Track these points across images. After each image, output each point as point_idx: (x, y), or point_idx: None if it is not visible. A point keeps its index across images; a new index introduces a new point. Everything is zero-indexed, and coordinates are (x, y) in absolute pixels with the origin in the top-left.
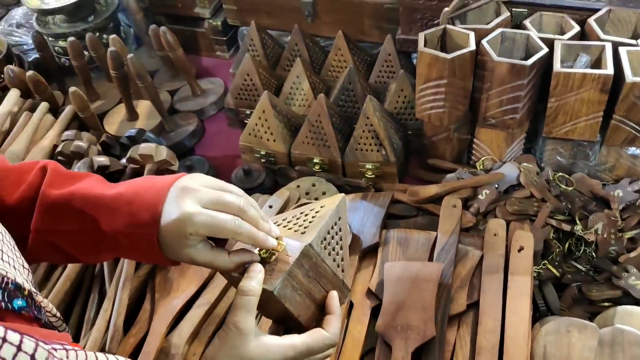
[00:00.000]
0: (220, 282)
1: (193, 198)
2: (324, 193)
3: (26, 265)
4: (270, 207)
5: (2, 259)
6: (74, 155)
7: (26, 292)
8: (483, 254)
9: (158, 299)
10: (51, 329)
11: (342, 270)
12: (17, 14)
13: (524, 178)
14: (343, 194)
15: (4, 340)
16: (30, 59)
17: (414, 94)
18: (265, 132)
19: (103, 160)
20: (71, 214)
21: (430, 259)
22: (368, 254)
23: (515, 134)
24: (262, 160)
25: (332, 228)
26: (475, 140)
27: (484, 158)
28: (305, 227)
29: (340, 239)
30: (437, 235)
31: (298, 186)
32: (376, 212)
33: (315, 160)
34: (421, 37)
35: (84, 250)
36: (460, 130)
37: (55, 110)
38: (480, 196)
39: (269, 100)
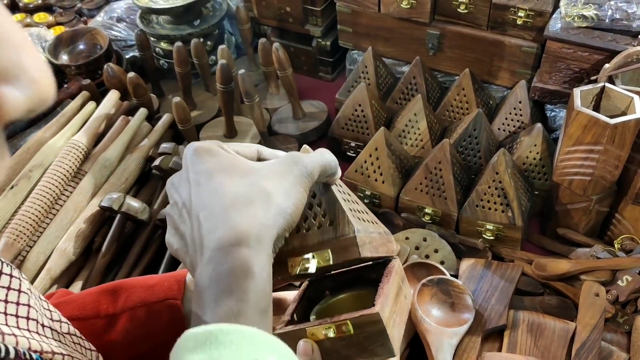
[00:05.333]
0: None
1: None
2: (436, 251)
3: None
4: None
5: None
6: (170, 172)
7: None
8: (630, 358)
9: None
10: None
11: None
12: (118, 7)
13: None
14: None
15: None
16: (127, 56)
17: (548, 152)
18: (375, 172)
19: None
20: None
21: (569, 355)
22: (492, 336)
23: None
24: (365, 201)
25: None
26: (617, 215)
27: (622, 236)
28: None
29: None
30: (575, 327)
31: (407, 238)
32: (503, 287)
33: (426, 210)
34: (577, 93)
35: None
36: (602, 202)
37: (150, 116)
38: (619, 282)
39: (385, 138)
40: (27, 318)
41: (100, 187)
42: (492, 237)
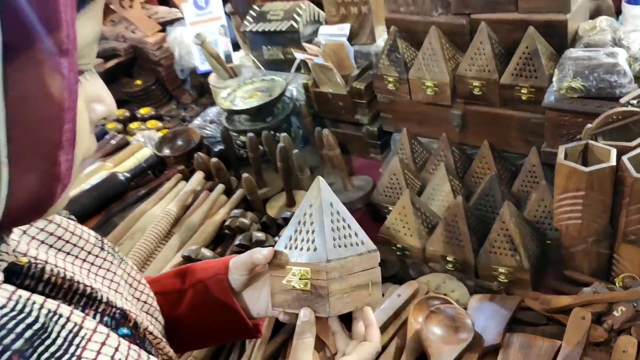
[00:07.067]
0: None
1: None
2: (452, 290)
3: (159, 317)
4: (399, 295)
5: (121, 300)
6: (237, 230)
7: (131, 324)
8: None
9: None
10: None
11: (358, 238)
12: (211, 112)
13: None
14: (319, 177)
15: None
16: (216, 149)
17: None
18: (403, 227)
19: (260, 235)
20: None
21: None
22: (489, 355)
23: None
24: (398, 253)
25: (332, 221)
26: (615, 255)
27: (623, 275)
28: (312, 241)
29: (343, 218)
30: (561, 344)
31: (428, 280)
32: (502, 314)
33: (448, 259)
34: (561, 150)
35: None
36: (599, 244)
37: (229, 192)
38: (615, 312)
39: (409, 198)
40: (116, 291)
41: (184, 243)
42: (505, 280)
